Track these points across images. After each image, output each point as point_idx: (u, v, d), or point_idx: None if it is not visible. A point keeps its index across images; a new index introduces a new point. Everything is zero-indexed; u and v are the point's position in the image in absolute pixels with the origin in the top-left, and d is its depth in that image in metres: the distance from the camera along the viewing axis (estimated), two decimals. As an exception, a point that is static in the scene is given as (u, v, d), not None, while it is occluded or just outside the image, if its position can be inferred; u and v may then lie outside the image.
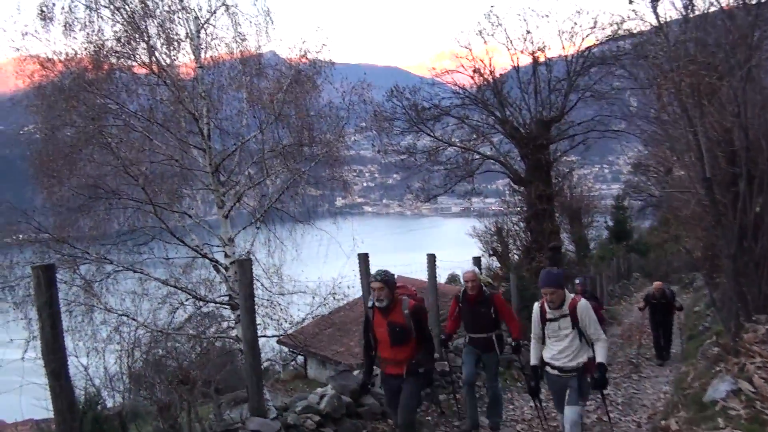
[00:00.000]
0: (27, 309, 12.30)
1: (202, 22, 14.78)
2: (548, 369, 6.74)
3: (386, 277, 6.62)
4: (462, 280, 8.82)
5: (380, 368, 7.11)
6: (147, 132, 13.86)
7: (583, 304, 6.44)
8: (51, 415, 4.74)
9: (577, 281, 15.20)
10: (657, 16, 9.48)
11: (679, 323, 17.13)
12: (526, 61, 24.72)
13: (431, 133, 25.33)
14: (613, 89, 23.20)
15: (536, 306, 6.85)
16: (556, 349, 6.64)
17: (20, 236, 13.08)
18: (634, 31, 20.54)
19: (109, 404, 7.86)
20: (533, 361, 6.92)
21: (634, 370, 13.47)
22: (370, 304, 6.91)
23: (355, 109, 15.33)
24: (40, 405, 5.45)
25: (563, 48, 24.75)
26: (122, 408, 7.47)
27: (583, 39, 24.16)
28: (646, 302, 16.62)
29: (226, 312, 14.32)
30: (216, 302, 13.93)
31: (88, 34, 13.72)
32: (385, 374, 7.00)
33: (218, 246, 14.20)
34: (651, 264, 43.94)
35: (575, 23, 28.56)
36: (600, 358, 6.29)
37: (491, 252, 30.33)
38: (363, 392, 7.80)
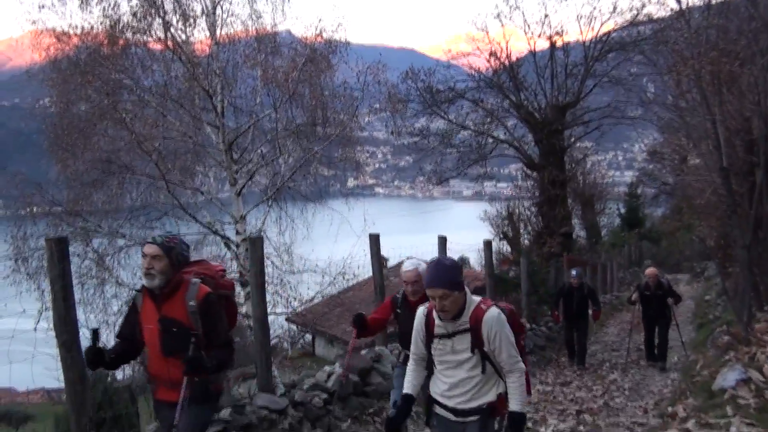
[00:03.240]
0: (40, 280, 12.42)
1: (219, -2, 14.74)
2: (437, 410, 4.31)
3: (168, 242, 4.26)
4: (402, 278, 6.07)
5: (151, 390, 4.64)
6: (161, 108, 13.89)
7: (492, 316, 3.99)
8: (62, 385, 4.78)
9: (572, 272, 13.23)
10: (678, 1, 9.37)
11: (675, 319, 13.37)
12: (543, 45, 24.62)
13: (445, 116, 25.29)
14: (631, 75, 23.05)
15: (421, 311, 4.30)
16: (447, 381, 4.19)
17: (34, 209, 13.17)
18: (655, 17, 20.42)
19: (119, 377, 7.93)
20: (405, 388, 4.44)
21: (641, 356, 13.45)
22: (139, 285, 4.75)
23: (369, 89, 15.29)
24: (51, 375, 5.50)
25: (581, 33, 24.62)
26: (131, 381, 7.54)
27: (602, 24, 24.07)
28: (638, 294, 13.14)
29: (236, 289, 14.38)
30: (227, 279, 13.97)
31: (104, 8, 13.76)
32: (155, 400, 4.56)
33: (230, 223, 14.24)
34: (663, 252, 43.70)
35: (594, 8, 28.62)
36: (515, 402, 4.05)
37: (502, 236, 30.31)
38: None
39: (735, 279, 10.52)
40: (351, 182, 20.71)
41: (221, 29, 14.91)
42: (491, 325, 3.95)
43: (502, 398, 4.10)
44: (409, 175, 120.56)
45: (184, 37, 14.30)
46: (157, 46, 14.41)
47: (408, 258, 6.63)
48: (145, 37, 14.20)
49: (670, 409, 6.95)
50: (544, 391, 10.14)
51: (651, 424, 7.12)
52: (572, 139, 26.93)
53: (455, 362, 4.10)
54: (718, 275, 16.62)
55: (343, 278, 14.76)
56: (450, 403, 4.18)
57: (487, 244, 13.10)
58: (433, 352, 4.18)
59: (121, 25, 13.81)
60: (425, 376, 4.38)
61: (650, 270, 13.18)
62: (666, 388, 9.98)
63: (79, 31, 13.87)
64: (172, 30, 14.12)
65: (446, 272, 3.92)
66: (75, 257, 12.45)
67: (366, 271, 12.41)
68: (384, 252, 9.44)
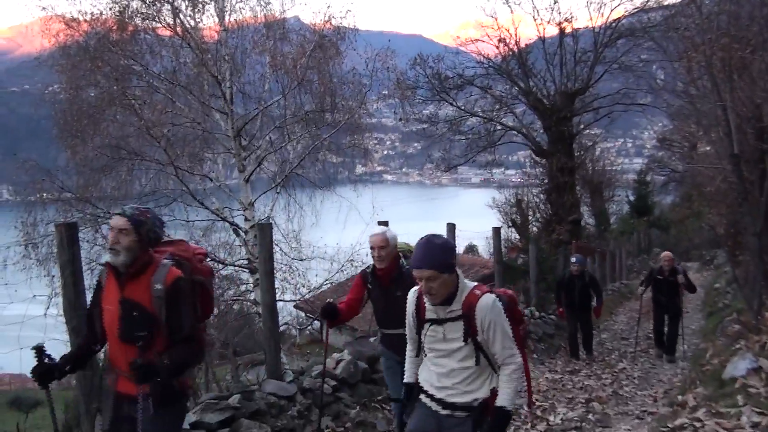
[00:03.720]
0: (50, 266, 12.47)
1: (227, -16, 14.70)
2: (423, 398, 3.94)
3: (138, 216, 3.75)
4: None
5: (109, 383, 4.03)
6: (170, 94, 13.88)
7: (486, 304, 3.61)
8: (72, 371, 4.79)
9: (572, 260, 12.65)
10: (689, -13, 9.29)
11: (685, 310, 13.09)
12: (552, 31, 24.48)
13: (454, 103, 25.23)
14: (641, 62, 22.92)
15: (412, 294, 3.98)
16: (437, 371, 3.83)
17: (44, 195, 13.20)
18: (665, 3, 20.27)
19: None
20: (406, 378, 4.18)
21: (650, 345, 13.42)
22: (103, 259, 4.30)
23: (378, 76, 15.25)
24: (61, 361, 5.51)
25: (591, 19, 24.49)
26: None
27: (612, 10, 23.88)
28: (648, 280, 12.77)
29: (245, 275, 14.42)
30: (235, 265, 14.02)
31: (113, -7, 13.70)
32: (114, 393, 3.91)
33: (238, 210, 14.25)
34: (672, 240, 43.59)
35: (604, -7, 28.02)
36: (503, 397, 3.63)
37: (510, 223, 30.32)
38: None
39: (745, 267, 10.48)
40: (359, 169, 20.71)
41: (230, 15, 14.89)
42: (485, 312, 3.60)
43: (496, 394, 3.70)
44: (417, 162, 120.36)
45: (192, 23, 14.28)
46: (166, 32, 14.40)
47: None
48: (154, 23, 14.20)
49: (680, 398, 6.94)
50: (553, 379, 10.14)
51: (661, 413, 7.10)
52: (581, 126, 26.84)
53: (446, 351, 3.76)
54: (728, 263, 16.58)
55: (352, 265, 14.74)
56: (440, 395, 3.81)
57: (496, 231, 13.10)
58: (423, 338, 3.84)
59: (130, 10, 13.81)
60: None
61: (666, 254, 12.67)
62: (676, 377, 9.96)
63: (88, 17, 13.87)
64: (181, 16, 14.11)
65: (435, 252, 3.56)
66: (84, 243, 12.47)
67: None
68: (393, 239, 9.43)
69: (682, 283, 12.01)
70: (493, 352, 3.67)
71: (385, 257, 5.31)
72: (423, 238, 3.69)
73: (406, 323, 4.05)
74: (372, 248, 5.36)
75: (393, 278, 5.38)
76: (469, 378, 3.73)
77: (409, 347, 4.12)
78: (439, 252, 3.56)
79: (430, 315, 3.75)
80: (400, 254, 5.44)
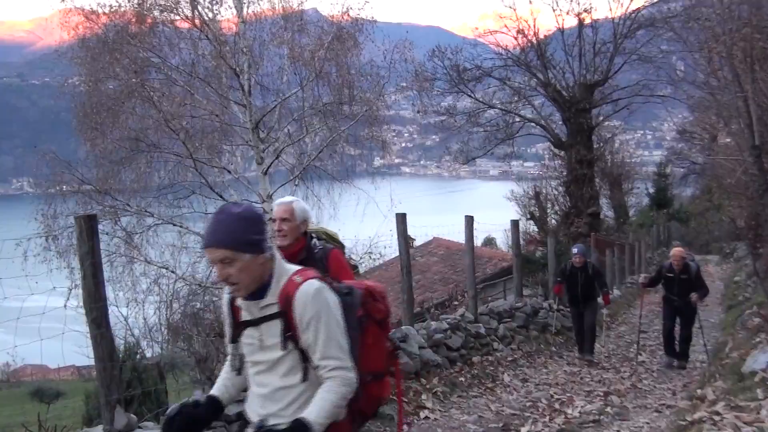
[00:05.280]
0: (69, 258, 12.59)
1: (245, -24, 14.72)
2: None
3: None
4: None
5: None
6: (188, 86, 13.95)
7: (307, 292, 2.52)
8: (92, 362, 4.82)
9: (574, 249, 11.43)
10: (711, -24, 9.19)
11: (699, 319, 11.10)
12: (571, 22, 24.33)
13: (472, 95, 25.14)
14: (661, 53, 22.72)
15: (227, 290, 2.74)
16: (258, 391, 2.71)
17: (64, 187, 13.32)
18: (686, -7, 20.05)
19: (148, 354, 8.02)
20: (214, 389, 2.98)
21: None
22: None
23: (396, 68, 15.25)
24: (81, 352, 5.55)
25: (610, 10, 24.41)
26: (160, 358, 7.62)
27: (632, 0, 23.64)
28: (656, 279, 11.21)
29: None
30: (253, 258, 14.08)
31: (131, -14, 13.77)
32: None
33: (257, 202, 14.30)
34: (692, 233, 43.30)
35: (624, -16, 27.80)
36: (311, 410, 2.47)
37: (529, 216, 30.21)
38: None
39: (766, 260, 10.38)
40: (377, 161, 20.75)
41: (248, 7, 14.92)
42: (305, 305, 2.51)
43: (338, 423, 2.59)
44: (435, 155, 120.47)
45: (211, 15, 14.32)
46: (185, 25, 14.46)
47: None
48: (172, 16, 14.28)
49: (699, 391, 6.88)
50: (571, 372, 10.10)
51: (680, 407, 7.06)
52: (600, 118, 26.67)
53: (267, 363, 2.63)
54: (748, 256, 16.43)
55: (370, 258, 14.79)
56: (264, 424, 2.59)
57: (515, 224, 13.03)
58: (243, 350, 2.71)
59: (148, 3, 13.89)
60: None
61: (676, 250, 11.00)
62: (695, 370, 9.89)
63: (107, 10, 14.00)
64: (199, 8, 14.16)
65: (231, 224, 2.45)
66: (104, 235, 12.58)
67: (392, 250, 12.43)
68: (410, 232, 9.43)
69: (692, 296, 10.28)
70: (314, 359, 2.55)
71: (288, 233, 4.16)
72: (221, 207, 2.63)
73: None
74: (272, 221, 4.15)
75: (300, 261, 3.74)
76: (297, 401, 2.59)
77: (226, 363, 2.94)
78: (235, 224, 2.45)
79: (244, 315, 2.65)
80: (313, 235, 4.33)
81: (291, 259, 3.42)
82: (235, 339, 2.72)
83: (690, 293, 10.28)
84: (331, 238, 4.54)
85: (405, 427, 6.24)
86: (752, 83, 8.25)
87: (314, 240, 4.28)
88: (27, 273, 6.65)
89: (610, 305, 14.00)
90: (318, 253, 4.17)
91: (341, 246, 4.64)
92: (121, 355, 5.07)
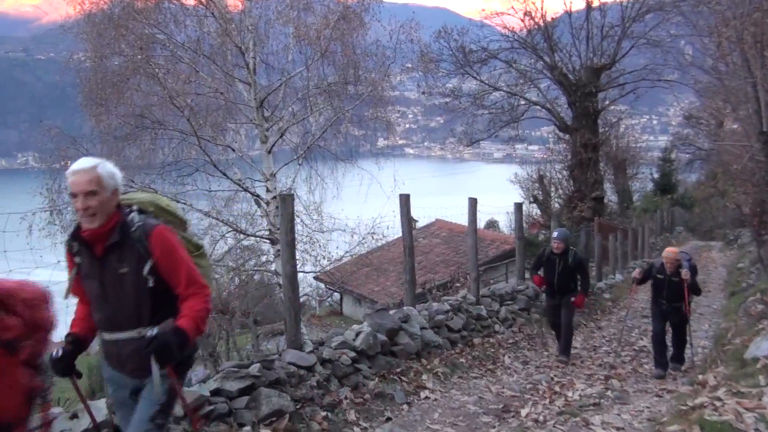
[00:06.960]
0: (74, 233, 12.59)
1: (252, -47, 14.61)
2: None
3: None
4: None
5: None
6: (193, 64, 13.89)
7: None
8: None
9: (554, 235, 10.03)
10: (722, -40, 9.11)
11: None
12: (579, 5, 24.26)
13: (477, 77, 25.06)
14: (669, 37, 22.60)
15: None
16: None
17: (69, 162, 13.27)
18: (696, -24, 19.88)
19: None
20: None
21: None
22: None
23: (401, 48, 15.17)
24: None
25: (619, -8, 24.11)
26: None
27: (641, -16, 23.48)
28: (644, 279, 9.77)
29: (266, 246, 14.49)
30: (256, 236, 14.10)
31: (138, -39, 13.69)
32: None
33: (260, 180, 14.28)
34: (695, 218, 43.27)
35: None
36: None
37: (532, 199, 30.20)
38: None
39: (770, 247, 10.36)
40: (381, 142, 20.65)
41: (254, -15, 14.82)
42: None
43: None
44: (439, 136, 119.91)
45: (216, -8, 14.23)
46: (190, 1, 14.38)
47: None
48: (178, -8, 14.18)
49: (700, 377, 6.90)
50: (572, 355, 10.11)
51: (680, 391, 7.07)
52: (606, 102, 26.60)
53: None
54: (752, 243, 16.41)
55: (372, 238, 14.77)
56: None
57: (518, 207, 13.01)
58: None
59: (154, -22, 13.79)
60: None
61: (671, 249, 9.54)
62: (697, 356, 9.90)
63: (113, -15, 13.87)
64: (205, -15, 14.06)
65: None
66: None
67: (395, 231, 12.43)
68: (413, 213, 9.43)
69: (685, 279, 8.98)
70: None
71: (98, 209, 3.23)
72: None
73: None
74: (72, 196, 3.28)
75: (112, 244, 3.29)
76: None
77: None
78: None
79: None
80: (132, 208, 3.47)
81: (100, 242, 3.23)
82: None
83: (682, 297, 9.10)
84: (164, 211, 3.62)
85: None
86: (762, 68, 8.20)
87: (132, 215, 3.40)
88: (32, 247, 6.65)
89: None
90: (136, 231, 3.30)
91: (180, 221, 3.73)
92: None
